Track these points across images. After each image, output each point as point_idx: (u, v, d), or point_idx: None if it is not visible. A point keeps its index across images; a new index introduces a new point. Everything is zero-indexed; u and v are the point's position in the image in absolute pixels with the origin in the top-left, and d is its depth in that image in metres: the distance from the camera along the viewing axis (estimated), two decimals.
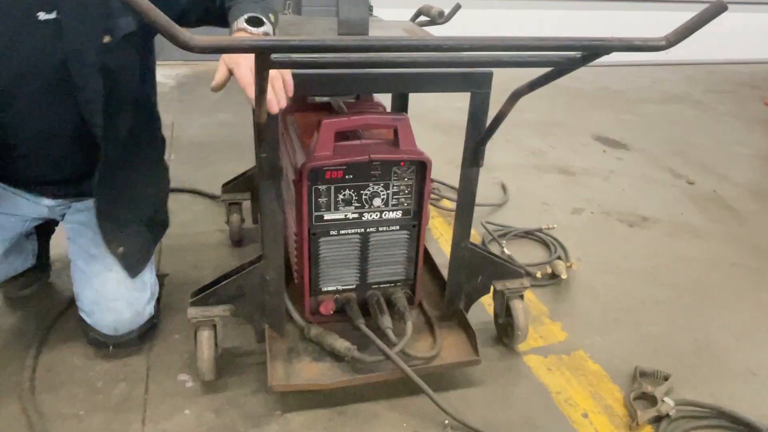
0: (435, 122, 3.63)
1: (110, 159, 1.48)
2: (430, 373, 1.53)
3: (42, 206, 1.59)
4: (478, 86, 1.39)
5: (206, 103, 3.80)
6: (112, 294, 1.54)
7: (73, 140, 1.45)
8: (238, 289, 1.50)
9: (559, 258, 2.21)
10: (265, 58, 0.90)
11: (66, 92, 1.37)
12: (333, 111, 1.71)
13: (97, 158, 1.48)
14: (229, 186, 2.19)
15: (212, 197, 2.51)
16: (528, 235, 2.38)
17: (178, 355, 1.65)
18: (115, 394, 1.51)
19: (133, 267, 1.59)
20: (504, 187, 2.77)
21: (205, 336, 1.49)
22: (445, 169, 2.77)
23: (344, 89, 1.46)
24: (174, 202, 2.41)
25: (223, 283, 1.50)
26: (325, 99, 1.84)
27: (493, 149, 3.22)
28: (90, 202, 1.59)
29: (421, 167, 1.50)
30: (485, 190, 2.73)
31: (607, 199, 2.78)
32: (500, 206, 2.62)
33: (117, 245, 1.56)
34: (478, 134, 1.43)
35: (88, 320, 1.57)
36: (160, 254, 2.10)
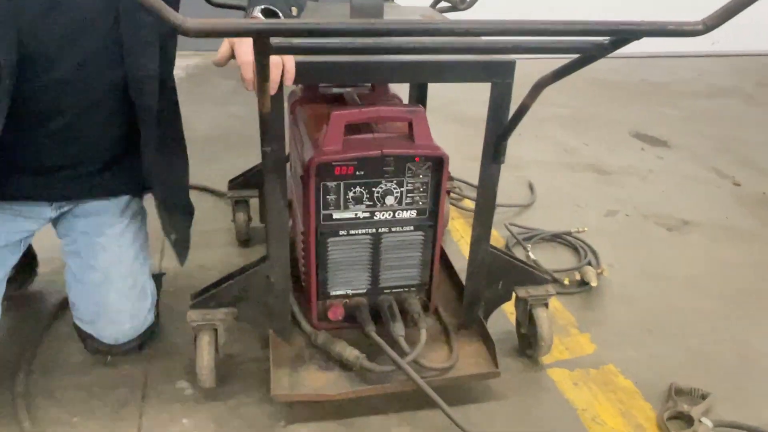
0: (457, 115, 3.60)
1: (152, 138, 1.45)
2: (445, 386, 1.51)
3: (42, 219, 1.54)
4: (499, 76, 1.36)
5: (217, 95, 3.82)
6: (114, 306, 1.54)
7: (109, 118, 1.42)
8: (241, 291, 1.50)
9: (589, 264, 2.17)
10: (263, 42, 0.89)
11: (116, 58, 1.33)
12: (345, 103, 1.70)
13: (129, 141, 1.46)
14: (236, 182, 2.19)
15: (220, 194, 2.51)
16: (556, 238, 2.34)
17: (178, 360, 1.65)
18: (111, 400, 1.52)
19: (182, 253, 1.62)
20: (531, 187, 2.73)
21: (205, 341, 1.48)
22: (468, 167, 2.73)
23: (353, 78, 1.44)
24: None
25: (224, 284, 1.50)
26: (338, 90, 1.83)
27: (521, 145, 3.18)
28: (89, 206, 1.56)
29: (438, 163, 1.47)
30: (511, 189, 2.69)
31: (644, 201, 2.72)
32: (527, 207, 2.58)
33: (169, 231, 1.58)
34: (499, 128, 1.40)
35: (86, 329, 1.58)
36: (162, 253, 2.11)
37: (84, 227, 1.56)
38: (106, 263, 1.54)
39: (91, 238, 1.55)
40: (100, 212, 1.57)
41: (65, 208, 1.56)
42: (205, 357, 1.48)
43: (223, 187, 2.48)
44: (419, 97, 2.11)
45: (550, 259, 2.22)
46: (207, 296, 1.49)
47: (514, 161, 2.95)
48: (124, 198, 1.60)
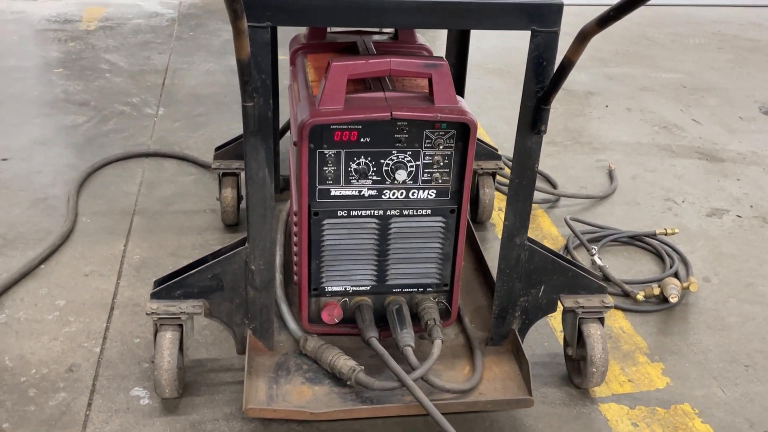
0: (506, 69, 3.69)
1: None
2: (463, 413, 1.62)
3: None
4: (542, 22, 1.47)
5: (215, 44, 4.02)
6: None
7: None
8: (215, 279, 1.65)
9: (675, 275, 2.24)
10: None
11: None
12: (357, 53, 1.83)
13: None
14: (224, 150, 2.35)
15: (205, 166, 2.69)
16: (635, 241, 2.43)
17: (135, 363, 1.82)
18: (50, 405, 1.70)
19: None
20: (612, 174, 2.81)
21: (167, 339, 1.64)
22: None
23: (356, 20, 1.54)
24: (154, 171, 2.62)
25: (194, 270, 1.65)
26: (351, 39, 1.97)
27: (604, 120, 3.25)
28: None
29: (464, 131, 1.59)
30: (584, 176, 2.77)
31: (765, 199, 2.78)
32: (602, 199, 2.67)
33: None
34: (540, 89, 1.52)
35: None
36: (129, 236, 2.30)
37: None
38: None
39: None
40: None
41: None
42: (166, 359, 1.64)
43: (209, 157, 2.66)
44: (459, 50, 2.23)
45: (623, 266, 2.31)
46: (172, 284, 1.65)
47: (592, 140, 3.04)
48: None
